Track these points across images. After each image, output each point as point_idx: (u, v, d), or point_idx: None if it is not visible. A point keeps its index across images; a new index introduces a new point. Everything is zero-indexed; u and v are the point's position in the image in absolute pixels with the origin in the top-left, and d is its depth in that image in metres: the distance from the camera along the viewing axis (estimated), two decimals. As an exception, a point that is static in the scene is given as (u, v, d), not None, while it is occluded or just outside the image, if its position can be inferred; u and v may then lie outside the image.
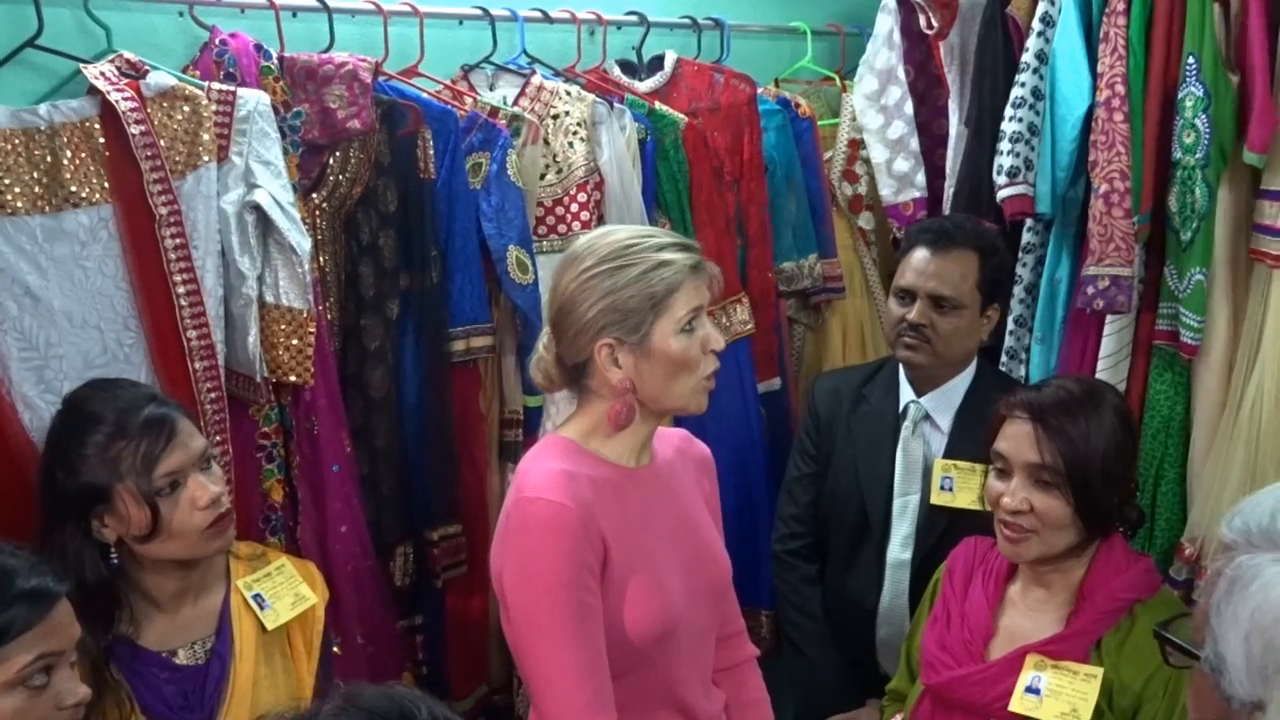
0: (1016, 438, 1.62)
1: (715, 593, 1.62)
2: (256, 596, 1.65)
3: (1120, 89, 2.00)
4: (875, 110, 2.67)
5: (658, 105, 2.37)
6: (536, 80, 2.24)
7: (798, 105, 2.63)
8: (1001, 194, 2.20)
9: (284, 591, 1.67)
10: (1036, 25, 2.16)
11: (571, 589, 1.40)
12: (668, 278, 1.46)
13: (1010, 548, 1.63)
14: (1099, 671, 1.55)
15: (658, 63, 2.50)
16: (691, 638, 1.55)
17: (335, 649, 1.98)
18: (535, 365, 1.57)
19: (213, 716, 1.57)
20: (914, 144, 2.63)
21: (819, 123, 2.69)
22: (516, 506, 1.45)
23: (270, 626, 1.63)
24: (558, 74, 2.33)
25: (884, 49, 2.64)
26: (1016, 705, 1.57)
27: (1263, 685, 0.95)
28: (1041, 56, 2.15)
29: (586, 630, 1.41)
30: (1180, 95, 1.96)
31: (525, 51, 2.29)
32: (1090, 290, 2.04)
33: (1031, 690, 1.57)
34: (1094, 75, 2.06)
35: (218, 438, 1.83)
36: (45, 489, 1.53)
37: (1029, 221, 2.28)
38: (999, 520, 1.64)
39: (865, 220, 2.78)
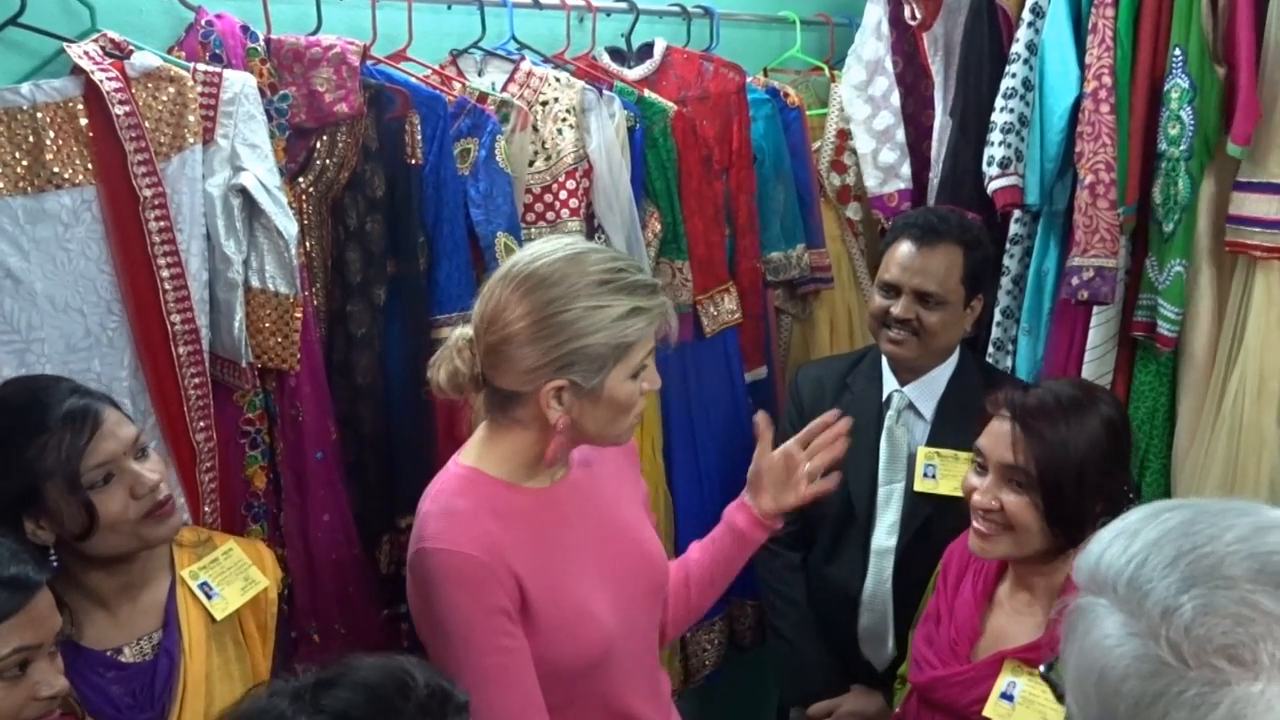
0: (996, 436, 1.62)
1: (652, 593, 1.59)
2: (203, 585, 1.59)
3: (1107, 80, 2.01)
4: (862, 100, 2.67)
5: (647, 93, 2.36)
6: (525, 66, 2.23)
7: (786, 95, 2.63)
8: (992, 185, 2.21)
9: (233, 577, 1.62)
10: (1026, 16, 2.17)
11: (489, 636, 1.35)
12: (640, 328, 1.40)
13: (979, 543, 1.63)
14: None
15: (647, 50, 2.49)
16: (631, 648, 1.52)
17: (314, 637, 1.97)
18: (439, 369, 1.44)
19: (165, 714, 1.51)
20: (900, 135, 2.63)
21: (807, 113, 2.69)
22: (418, 558, 1.38)
23: (219, 616, 1.57)
24: (547, 60, 2.32)
25: (872, 39, 2.64)
26: (990, 710, 1.58)
27: None
28: (1031, 47, 2.16)
29: (511, 674, 1.37)
30: (1166, 87, 1.97)
31: (514, 37, 2.27)
32: (1075, 281, 2.06)
33: (1006, 696, 1.57)
34: (1082, 67, 2.07)
35: (201, 423, 1.81)
36: None
37: (1017, 213, 2.29)
38: (972, 514, 1.64)
39: (853, 211, 2.78)
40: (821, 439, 1.72)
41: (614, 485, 1.58)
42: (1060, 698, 1.00)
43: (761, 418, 1.73)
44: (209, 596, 1.59)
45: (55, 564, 1.44)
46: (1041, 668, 1.16)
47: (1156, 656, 0.78)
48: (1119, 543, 0.86)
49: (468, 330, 1.46)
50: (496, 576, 1.36)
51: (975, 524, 1.63)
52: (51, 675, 1.25)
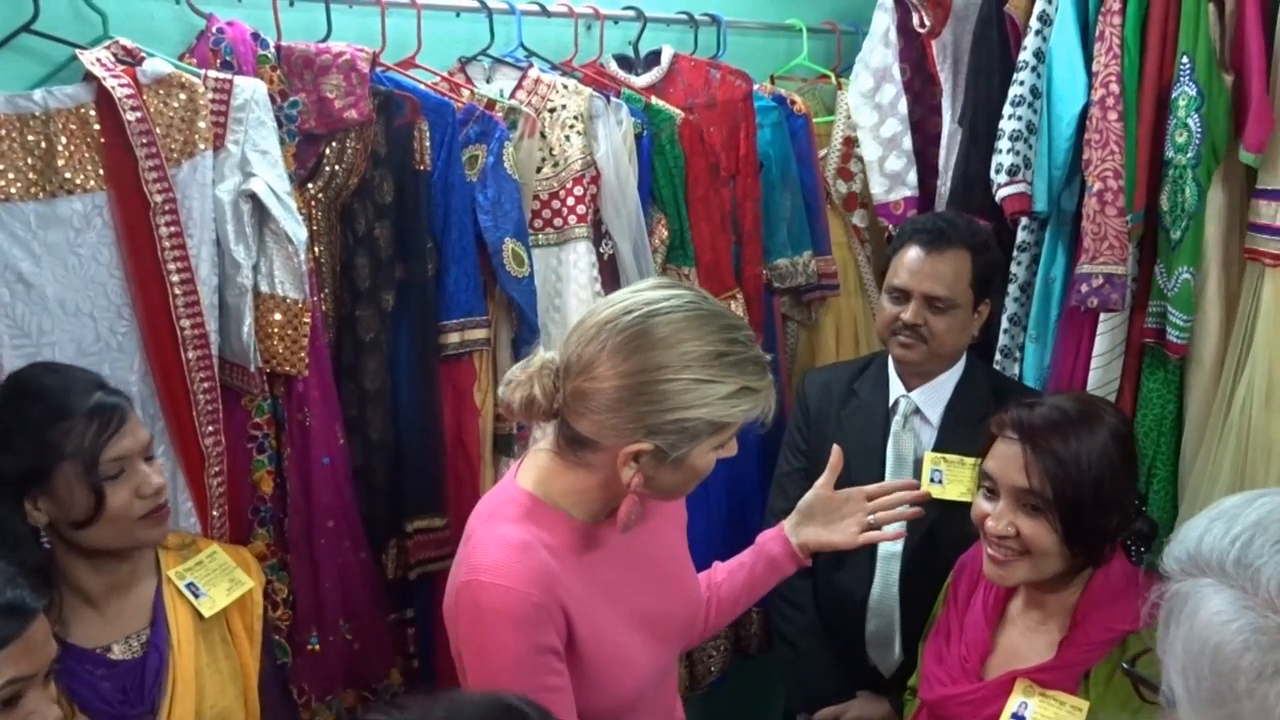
0: (1004, 459, 1.55)
1: (684, 633, 1.57)
2: (190, 585, 1.62)
3: (1115, 88, 2.01)
4: (870, 108, 2.67)
5: (654, 100, 2.37)
6: (534, 73, 2.24)
7: (793, 102, 2.63)
8: (1001, 193, 2.21)
9: (218, 578, 1.65)
10: (1034, 24, 2.17)
11: (538, 675, 1.30)
12: (744, 410, 1.32)
13: (995, 570, 1.57)
14: (1084, 705, 1.50)
15: (654, 58, 2.50)
16: (655, 688, 1.49)
17: (313, 646, 1.98)
18: (515, 392, 1.35)
19: (155, 709, 1.53)
20: (907, 143, 2.63)
21: (814, 120, 2.69)
22: (468, 590, 1.32)
23: (207, 614, 1.60)
24: (555, 68, 2.33)
25: (880, 46, 2.64)
26: None
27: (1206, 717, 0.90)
28: (1039, 55, 2.16)
29: (557, 714, 1.35)
30: (1174, 94, 1.97)
31: (522, 45, 2.28)
32: (1084, 288, 2.05)
33: (1017, 717, 1.54)
34: (1089, 74, 2.07)
35: (210, 428, 1.82)
36: None
37: (1024, 220, 2.29)
38: (985, 541, 1.59)
39: (860, 218, 2.78)
40: (896, 497, 1.72)
41: (660, 518, 1.52)
42: (1144, 691, 1.04)
43: (837, 454, 1.72)
44: (196, 595, 1.62)
45: (46, 545, 1.49)
46: (1123, 664, 1.16)
47: (1276, 626, 0.83)
48: (1218, 526, 0.91)
49: (554, 357, 1.36)
50: (550, 615, 1.31)
51: (989, 550, 1.57)
52: (45, 705, 1.19)
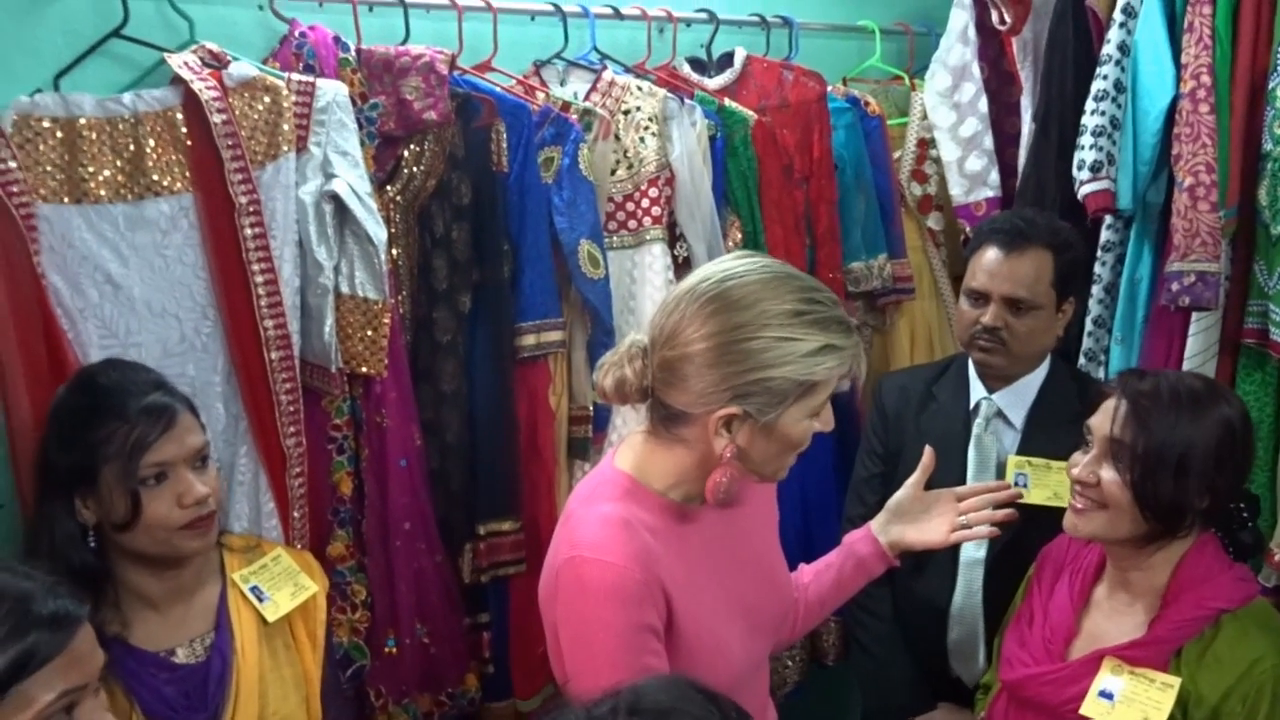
0: (1105, 411, 1.59)
1: (777, 628, 1.56)
2: (254, 589, 1.60)
3: (1206, 80, 1.95)
4: (948, 107, 2.63)
5: (727, 102, 2.35)
6: (608, 76, 2.24)
7: (867, 104, 2.60)
8: (1083, 190, 2.16)
9: (282, 582, 1.63)
10: (1118, 16, 2.12)
11: (636, 654, 1.29)
12: (830, 367, 1.31)
13: (1072, 518, 1.61)
14: (1176, 681, 1.49)
15: (727, 59, 2.49)
16: (752, 683, 1.48)
17: (390, 649, 1.98)
18: (607, 374, 1.39)
19: (218, 713, 1.52)
20: (988, 142, 2.58)
21: (888, 122, 2.66)
22: (570, 566, 1.32)
23: (271, 618, 1.59)
24: (628, 70, 2.32)
25: (958, 44, 2.60)
26: (1088, 709, 1.53)
27: None
28: (1123, 48, 2.11)
29: None
30: (1271, 86, 1.91)
31: (596, 48, 2.28)
32: (1175, 287, 1.99)
33: (1105, 694, 1.53)
34: (1177, 67, 2.01)
35: (292, 428, 1.83)
36: (39, 459, 1.50)
37: (1108, 219, 2.23)
38: (1071, 492, 1.63)
39: (934, 221, 2.74)
40: (986, 499, 1.72)
41: (755, 512, 1.51)
42: None
43: (929, 454, 1.72)
44: (260, 600, 1.60)
45: (94, 545, 1.47)
46: None
47: None
48: None
49: (642, 339, 1.39)
50: (651, 594, 1.30)
51: (1072, 500, 1.61)
52: (100, 715, 1.15)
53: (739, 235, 2.33)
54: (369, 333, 1.86)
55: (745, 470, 1.38)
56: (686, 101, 2.24)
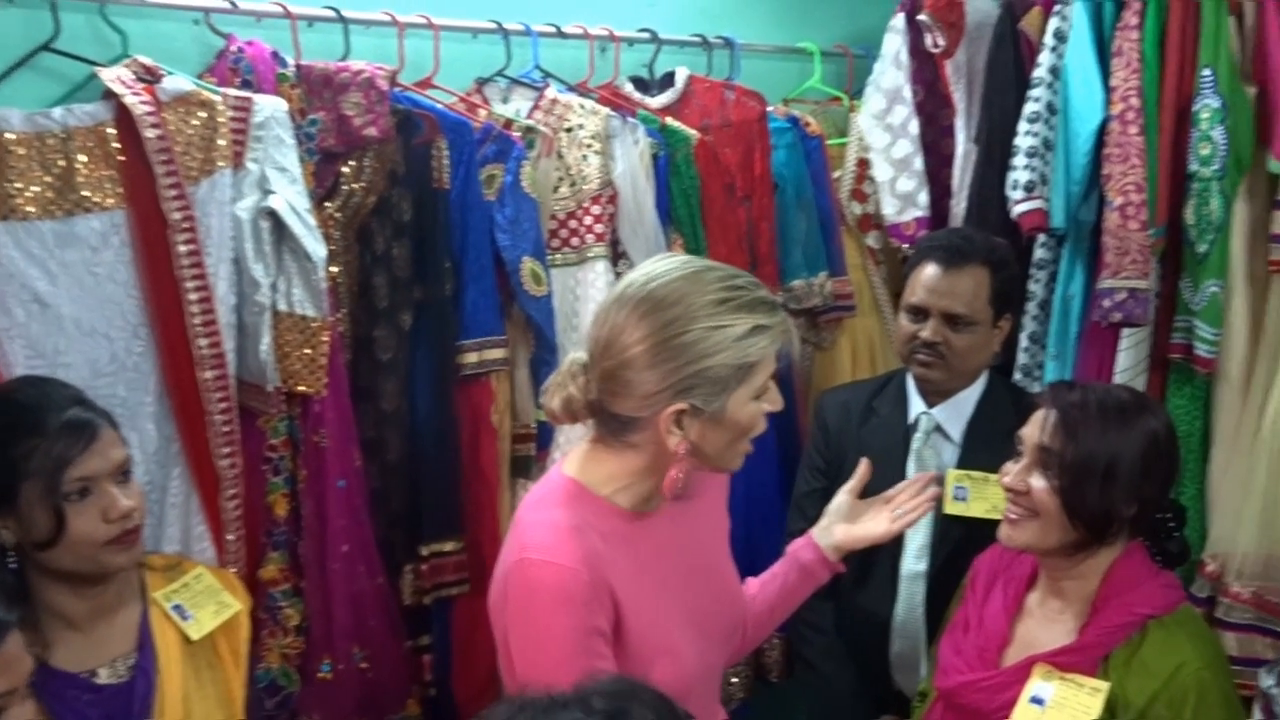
0: (1036, 421, 1.62)
1: (729, 638, 1.56)
2: (177, 607, 1.57)
3: (1135, 102, 2.01)
4: (881, 129, 2.67)
5: (670, 121, 2.37)
6: (550, 94, 2.24)
7: (807, 124, 2.63)
8: (1017, 209, 2.20)
9: (205, 600, 1.60)
10: (1049, 40, 2.17)
11: (584, 657, 1.29)
12: (763, 346, 1.34)
13: (1006, 529, 1.63)
14: (1104, 686, 1.52)
15: (669, 79, 2.51)
16: (702, 691, 1.48)
17: (324, 674, 1.94)
18: (553, 396, 1.41)
19: None
20: (918, 163, 2.62)
21: (827, 142, 2.69)
22: (520, 569, 1.33)
23: (195, 636, 1.55)
24: (571, 89, 2.33)
25: (891, 68, 2.64)
26: (1020, 714, 1.55)
27: None
28: (1055, 71, 2.17)
29: None
30: (1195, 108, 1.97)
31: (538, 66, 2.28)
32: (1107, 303, 2.04)
33: (1036, 700, 1.55)
34: (1107, 89, 2.07)
35: (226, 449, 1.79)
36: None
37: (1041, 237, 2.28)
38: (1005, 502, 1.65)
39: (874, 239, 2.77)
40: (914, 493, 1.76)
41: (706, 520, 1.52)
42: None
43: (865, 465, 1.77)
44: (184, 618, 1.57)
45: (14, 566, 1.43)
46: None
47: None
48: None
49: (581, 355, 1.41)
50: (599, 597, 1.31)
51: (1006, 511, 1.64)
52: None
53: (682, 253, 2.34)
54: (307, 351, 1.84)
55: (701, 464, 1.39)
56: (629, 120, 2.25)
